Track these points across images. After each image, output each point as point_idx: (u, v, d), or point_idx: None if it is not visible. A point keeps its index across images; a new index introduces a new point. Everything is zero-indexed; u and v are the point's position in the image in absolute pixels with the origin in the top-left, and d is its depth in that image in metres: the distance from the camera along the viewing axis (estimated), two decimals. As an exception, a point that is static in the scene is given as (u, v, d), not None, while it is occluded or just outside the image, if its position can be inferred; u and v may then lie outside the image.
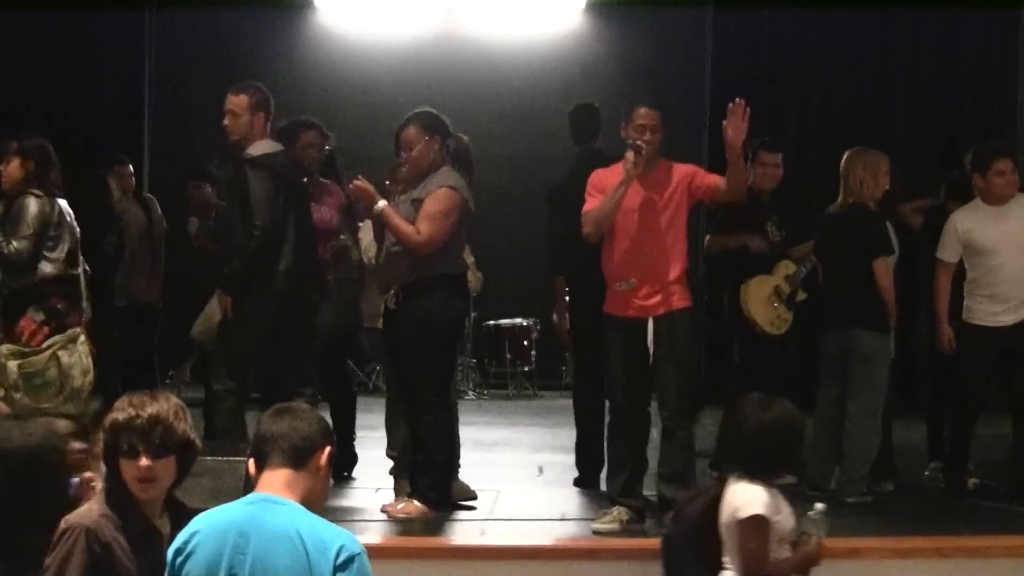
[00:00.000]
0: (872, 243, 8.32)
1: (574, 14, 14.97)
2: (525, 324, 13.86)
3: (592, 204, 7.58)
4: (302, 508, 4.17)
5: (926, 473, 9.33)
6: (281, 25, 14.76)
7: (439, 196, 7.75)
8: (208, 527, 4.15)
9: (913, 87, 13.65)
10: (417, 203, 7.77)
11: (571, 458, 8.82)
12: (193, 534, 4.15)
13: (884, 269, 8.43)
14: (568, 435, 8.87)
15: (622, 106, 7.90)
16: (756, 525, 5.38)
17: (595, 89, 14.67)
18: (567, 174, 9.00)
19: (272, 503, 4.16)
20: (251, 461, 4.31)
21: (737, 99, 7.40)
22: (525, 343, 13.92)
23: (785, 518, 5.48)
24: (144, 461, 4.35)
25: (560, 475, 9.01)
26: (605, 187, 7.57)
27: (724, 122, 7.42)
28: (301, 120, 8.53)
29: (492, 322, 13.99)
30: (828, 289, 8.66)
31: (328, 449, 4.29)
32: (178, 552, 4.15)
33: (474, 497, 8.10)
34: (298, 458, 4.23)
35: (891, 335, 8.50)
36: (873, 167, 8.53)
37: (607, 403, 8.08)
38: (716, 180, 7.63)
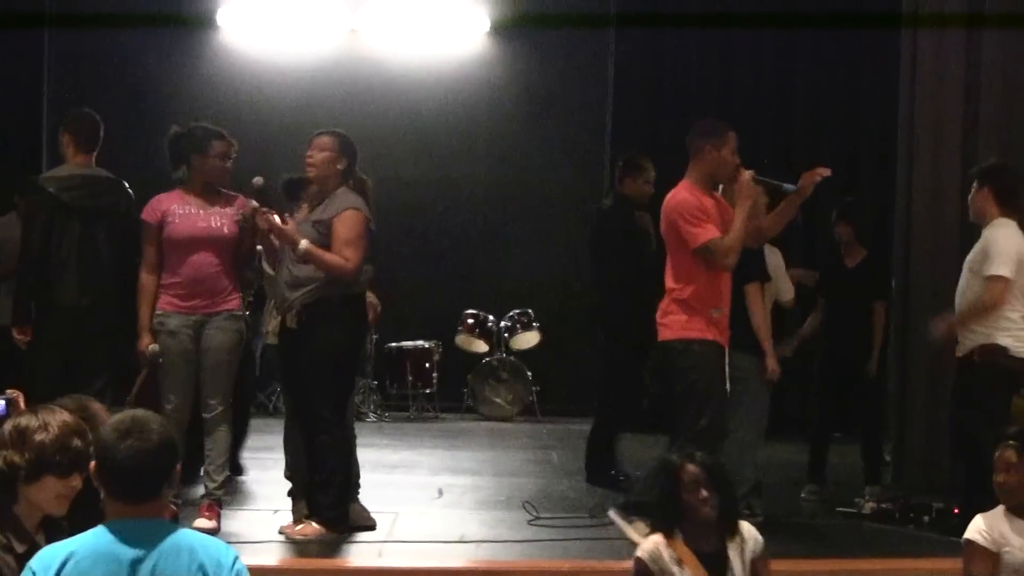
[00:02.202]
0: (743, 269, 8.29)
1: (478, 36, 14.99)
2: (427, 346, 13.85)
3: (709, 232, 7.53)
4: (173, 524, 4.10)
5: (802, 495, 9.52)
6: (183, 45, 14.67)
7: (348, 219, 7.76)
8: (87, 549, 3.95)
9: (812, 108, 13.80)
10: (320, 225, 7.76)
11: (471, 479, 8.84)
12: (71, 554, 3.94)
13: (755, 294, 8.55)
14: (468, 457, 8.89)
15: (712, 127, 7.91)
16: None
17: (499, 110, 14.78)
18: (612, 221, 9.35)
19: (155, 523, 4.05)
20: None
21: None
22: (427, 365, 13.89)
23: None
24: (76, 480, 4.33)
25: (460, 497, 9.03)
26: (709, 210, 7.60)
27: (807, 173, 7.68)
28: (208, 128, 8.25)
29: (394, 344, 13.95)
30: None
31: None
32: (47, 570, 3.90)
33: (372, 525, 8.08)
34: None
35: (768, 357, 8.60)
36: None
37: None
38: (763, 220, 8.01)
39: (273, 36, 14.89)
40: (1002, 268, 7.95)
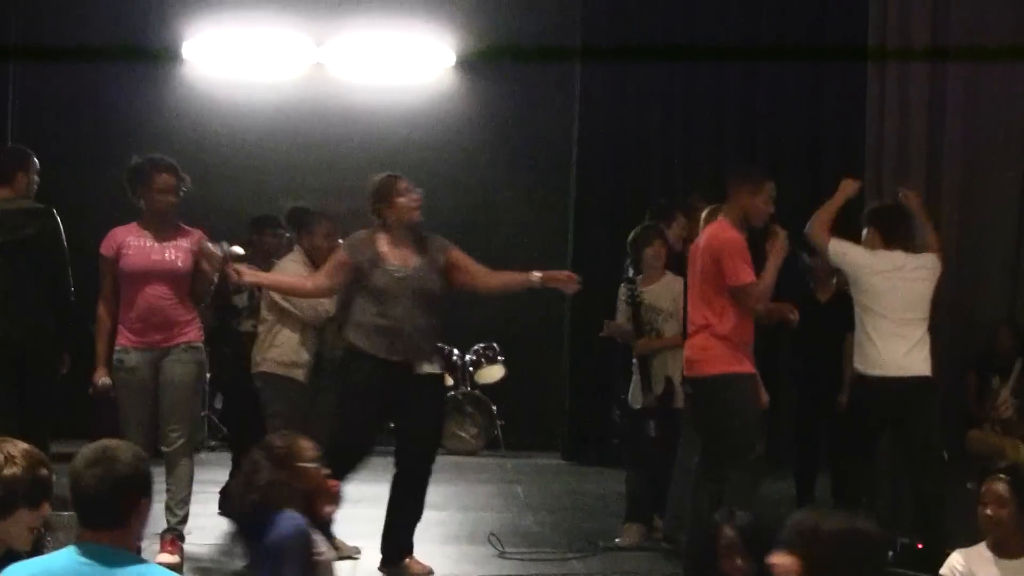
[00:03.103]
0: None
1: (443, 70, 15.01)
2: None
3: (749, 275, 7.83)
4: (139, 557, 4.15)
5: None
6: (149, 78, 14.64)
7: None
8: (54, 569, 4.05)
9: (777, 140, 13.83)
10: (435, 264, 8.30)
11: (436, 514, 8.80)
12: (40, 573, 4.03)
13: None
14: (433, 491, 8.81)
15: (749, 173, 8.20)
16: None
17: (464, 143, 14.79)
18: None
19: (119, 552, 4.10)
20: None
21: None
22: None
23: None
24: (46, 509, 4.38)
25: (425, 531, 8.97)
26: (746, 254, 7.85)
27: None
28: (154, 160, 8.28)
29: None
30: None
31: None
32: None
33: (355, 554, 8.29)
34: None
35: None
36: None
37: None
38: None
39: (239, 69, 14.88)
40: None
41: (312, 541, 5.13)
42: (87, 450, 4.17)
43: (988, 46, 10.05)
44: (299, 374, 8.76)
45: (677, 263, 9.17)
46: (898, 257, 8.68)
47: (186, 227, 8.25)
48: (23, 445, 4.43)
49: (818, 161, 13.67)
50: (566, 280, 8.41)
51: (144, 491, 4.20)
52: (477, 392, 13.91)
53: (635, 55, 13.74)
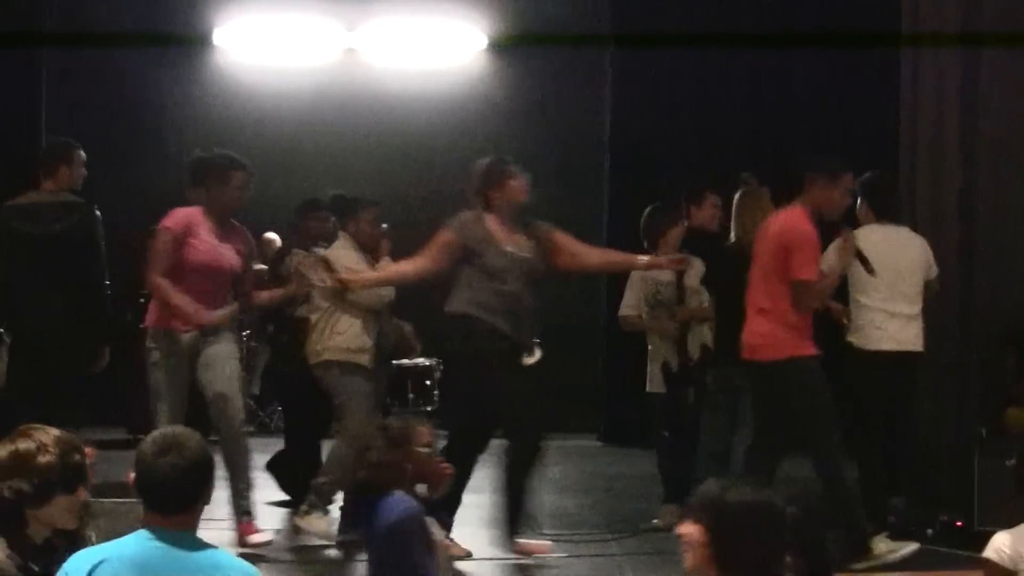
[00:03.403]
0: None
1: (475, 53, 15.00)
2: (427, 364, 13.81)
3: (813, 272, 7.83)
4: (206, 542, 4.23)
5: None
6: (180, 64, 14.67)
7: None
8: (121, 555, 4.11)
9: (810, 124, 13.78)
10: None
11: (473, 497, 8.79)
12: (104, 559, 4.09)
13: None
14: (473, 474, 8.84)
15: (828, 165, 8.12)
16: None
17: (497, 128, 14.77)
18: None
19: (187, 536, 4.20)
20: None
21: None
22: (427, 383, 13.85)
23: None
24: (83, 493, 4.42)
25: (462, 514, 8.97)
26: (816, 250, 7.89)
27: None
28: (231, 157, 8.36)
29: (394, 362, 13.90)
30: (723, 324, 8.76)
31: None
32: (78, 572, 4.07)
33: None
34: None
35: None
36: (756, 208, 8.75)
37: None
38: None
39: (270, 55, 14.91)
40: None
41: (426, 523, 5.18)
42: (155, 439, 4.24)
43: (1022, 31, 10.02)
44: (364, 359, 8.74)
45: (710, 243, 9.17)
46: (890, 231, 8.71)
47: (235, 223, 8.33)
48: (55, 432, 4.47)
49: (852, 146, 13.59)
50: (669, 264, 8.38)
51: (211, 476, 4.32)
52: (512, 376, 13.87)
53: (668, 40, 13.70)
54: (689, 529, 4.00)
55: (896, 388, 8.56)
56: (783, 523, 4.06)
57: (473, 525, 8.82)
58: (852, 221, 8.70)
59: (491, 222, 8.22)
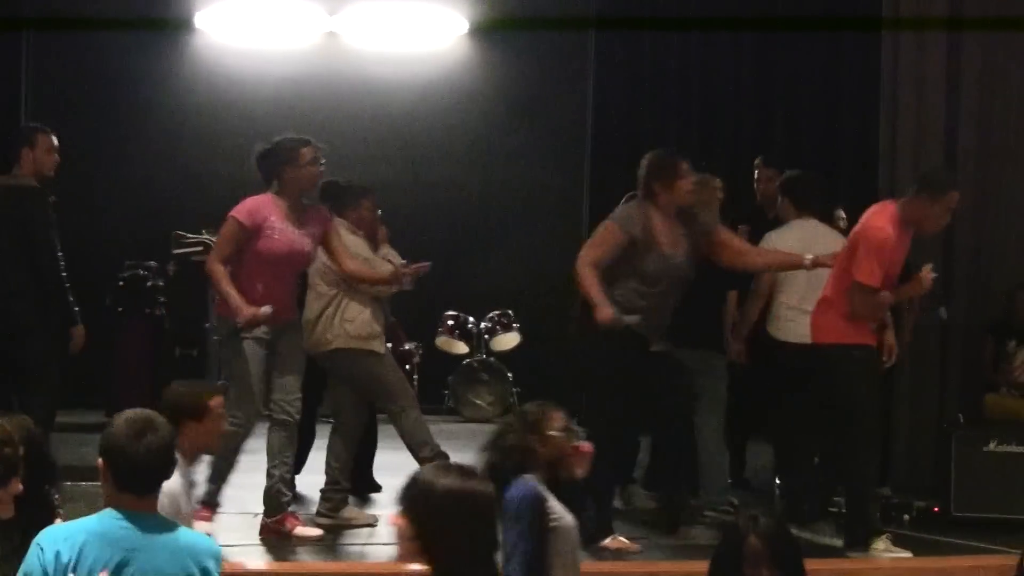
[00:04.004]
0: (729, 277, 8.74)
1: (457, 38, 14.97)
2: (407, 348, 13.81)
3: (875, 278, 7.72)
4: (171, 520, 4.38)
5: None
6: (162, 48, 14.61)
7: None
8: (96, 532, 4.20)
9: (792, 110, 13.79)
10: None
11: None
12: (75, 538, 4.17)
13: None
14: (452, 458, 8.84)
15: (937, 179, 8.01)
16: None
17: (478, 112, 14.78)
18: None
19: (154, 516, 4.32)
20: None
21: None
22: (407, 367, 13.81)
23: None
24: (15, 485, 4.50)
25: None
26: (892, 255, 7.79)
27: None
28: (294, 137, 8.19)
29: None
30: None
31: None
32: (57, 556, 4.14)
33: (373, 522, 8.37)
34: None
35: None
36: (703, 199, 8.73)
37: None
38: None
39: (251, 39, 14.85)
40: None
41: (545, 507, 5.20)
42: (128, 421, 4.31)
43: (1007, 16, 10.04)
44: (377, 345, 8.70)
45: None
46: (808, 227, 8.85)
47: (310, 205, 8.24)
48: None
49: (834, 131, 13.63)
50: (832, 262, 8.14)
51: (175, 457, 4.45)
52: (493, 359, 13.91)
53: (650, 24, 13.70)
54: (397, 522, 4.00)
55: (815, 379, 8.42)
56: (489, 510, 4.05)
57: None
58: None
59: (655, 219, 7.95)
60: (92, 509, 4.36)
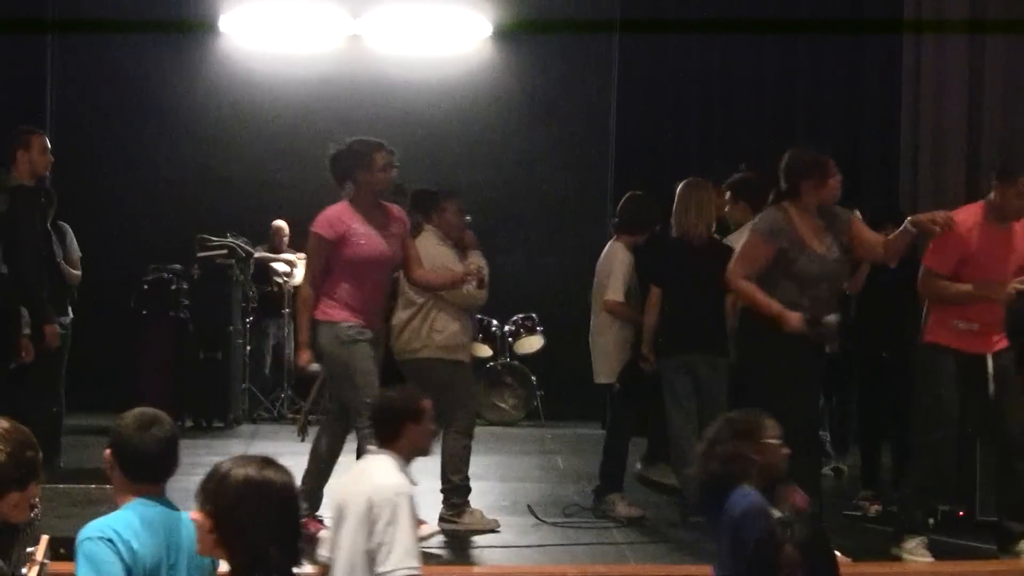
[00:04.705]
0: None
1: (480, 41, 14.98)
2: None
3: (936, 263, 7.71)
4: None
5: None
6: (186, 51, 14.66)
7: None
8: (139, 521, 4.44)
9: (814, 113, 13.77)
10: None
11: (476, 484, 8.80)
12: (121, 527, 4.40)
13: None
14: (473, 462, 8.82)
15: (1011, 169, 7.84)
16: None
17: (502, 115, 14.78)
18: None
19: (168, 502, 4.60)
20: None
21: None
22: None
23: None
24: (34, 490, 4.45)
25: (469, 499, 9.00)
26: (953, 249, 7.67)
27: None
28: (366, 140, 8.21)
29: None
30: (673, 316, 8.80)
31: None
32: (122, 542, 4.36)
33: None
34: None
35: None
36: (697, 201, 8.76)
37: None
38: None
39: (275, 41, 14.88)
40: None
41: (771, 518, 5.16)
42: (135, 417, 4.60)
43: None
44: (464, 355, 8.74)
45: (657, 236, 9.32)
46: None
47: (385, 204, 8.23)
48: (5, 425, 4.44)
49: (856, 133, 13.61)
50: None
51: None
52: (516, 363, 13.91)
53: (673, 27, 13.71)
54: (195, 516, 4.01)
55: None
56: (288, 499, 4.02)
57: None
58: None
59: (797, 220, 7.78)
60: (95, 511, 4.51)
